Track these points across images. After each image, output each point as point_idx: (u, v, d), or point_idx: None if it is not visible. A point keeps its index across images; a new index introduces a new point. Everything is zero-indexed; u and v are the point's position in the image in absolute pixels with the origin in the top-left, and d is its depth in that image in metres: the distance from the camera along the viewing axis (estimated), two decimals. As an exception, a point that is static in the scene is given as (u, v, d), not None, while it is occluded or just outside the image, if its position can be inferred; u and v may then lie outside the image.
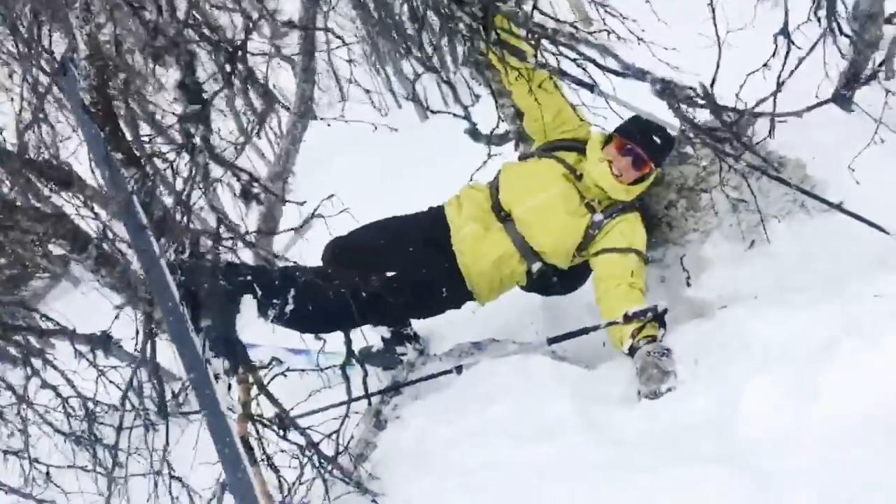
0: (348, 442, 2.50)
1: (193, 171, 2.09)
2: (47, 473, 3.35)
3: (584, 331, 2.70)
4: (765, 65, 2.41)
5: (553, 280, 2.95)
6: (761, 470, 1.70)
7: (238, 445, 1.94)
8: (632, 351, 2.49)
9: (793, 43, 2.35)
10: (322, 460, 2.23)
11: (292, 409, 2.40)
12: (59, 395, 3.42)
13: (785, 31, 2.37)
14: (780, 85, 2.18)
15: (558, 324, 3.44)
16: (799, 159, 2.85)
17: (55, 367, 3.42)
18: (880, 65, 2.90)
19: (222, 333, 2.14)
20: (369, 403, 2.77)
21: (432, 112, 3.84)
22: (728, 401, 1.97)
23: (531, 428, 2.12)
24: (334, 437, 2.54)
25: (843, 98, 3.23)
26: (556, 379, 2.34)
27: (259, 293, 2.22)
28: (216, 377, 2.03)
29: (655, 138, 2.78)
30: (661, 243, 3.21)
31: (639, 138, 2.77)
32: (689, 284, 2.97)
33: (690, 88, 2.21)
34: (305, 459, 2.23)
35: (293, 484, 2.22)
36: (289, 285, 2.27)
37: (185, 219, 2.16)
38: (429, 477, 2.08)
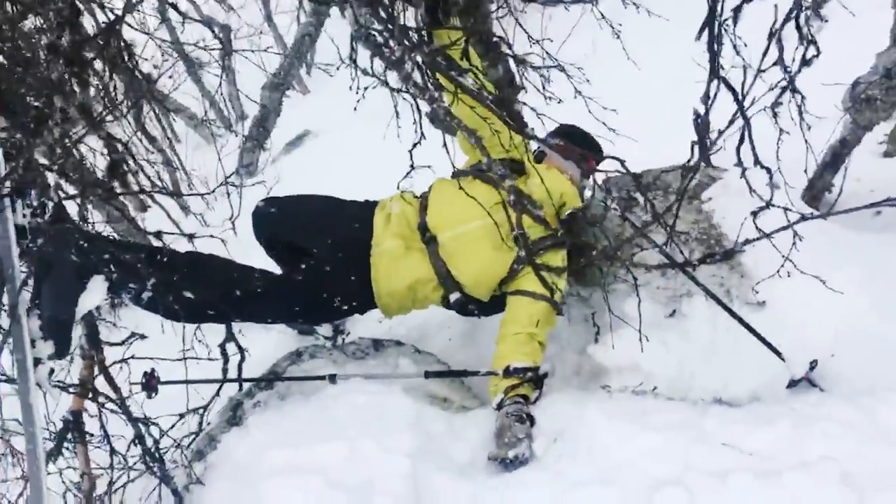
0: (194, 437, 2.47)
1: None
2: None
3: (464, 373, 2.63)
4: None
5: (470, 308, 2.81)
6: None
7: (38, 438, 1.88)
8: (499, 407, 2.40)
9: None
10: (148, 458, 2.19)
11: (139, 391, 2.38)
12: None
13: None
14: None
15: (474, 334, 3.36)
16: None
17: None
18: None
19: (59, 314, 2.06)
20: (240, 388, 2.73)
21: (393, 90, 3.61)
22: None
23: (356, 482, 2.04)
24: (189, 419, 2.53)
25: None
26: (409, 427, 2.25)
27: (115, 274, 2.12)
28: (36, 361, 1.95)
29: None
30: (591, 284, 3.08)
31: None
32: (596, 340, 2.84)
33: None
34: (130, 456, 2.20)
35: (113, 474, 2.19)
36: (151, 272, 2.15)
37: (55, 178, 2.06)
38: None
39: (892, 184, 3.28)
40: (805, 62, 1.97)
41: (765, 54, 1.66)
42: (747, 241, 1.70)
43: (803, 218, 1.72)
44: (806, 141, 2.10)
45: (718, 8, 1.60)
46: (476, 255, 2.63)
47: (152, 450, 2.21)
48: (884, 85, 2.84)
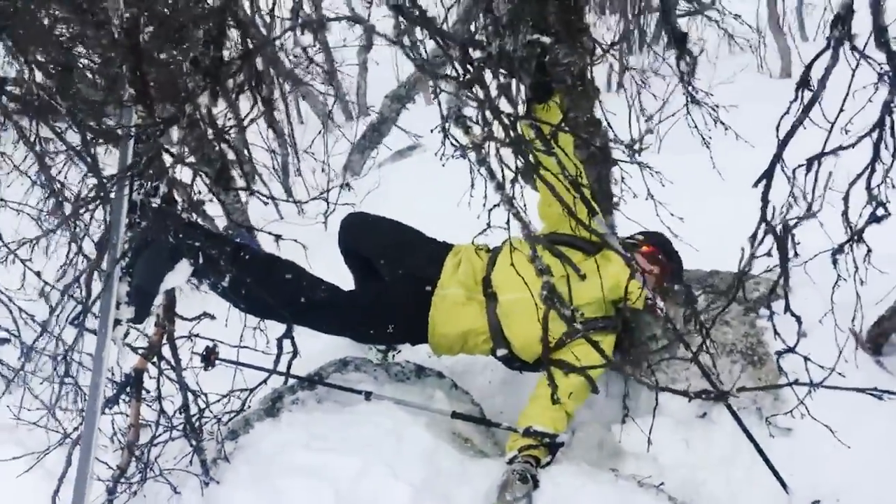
0: (234, 416, 2.71)
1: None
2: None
3: (488, 422, 2.79)
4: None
5: (515, 364, 2.97)
6: None
7: (101, 385, 2.14)
8: (510, 462, 2.55)
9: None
10: (189, 426, 2.44)
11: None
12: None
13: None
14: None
15: (514, 383, 3.49)
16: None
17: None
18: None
19: (145, 285, 2.33)
20: (285, 382, 2.95)
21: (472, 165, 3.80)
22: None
23: (360, 500, 2.22)
24: (234, 399, 2.77)
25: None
26: (423, 460, 2.41)
27: (200, 262, 2.37)
28: (116, 322, 2.23)
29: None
30: (625, 369, 3.16)
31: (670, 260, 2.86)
32: (624, 421, 2.94)
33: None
34: (173, 419, 2.45)
35: (156, 430, 2.45)
36: (231, 267, 2.40)
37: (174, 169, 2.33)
38: (253, 497, 2.25)
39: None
40: (875, 219, 2.03)
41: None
42: (743, 389, 1.78)
43: (810, 383, 1.80)
44: (858, 295, 2.15)
45: (778, 163, 1.70)
46: (530, 322, 2.73)
47: (194, 419, 2.45)
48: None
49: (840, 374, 1.85)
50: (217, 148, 2.23)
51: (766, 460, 2.33)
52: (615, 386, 3.23)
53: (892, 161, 1.82)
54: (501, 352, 2.88)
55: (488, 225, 2.49)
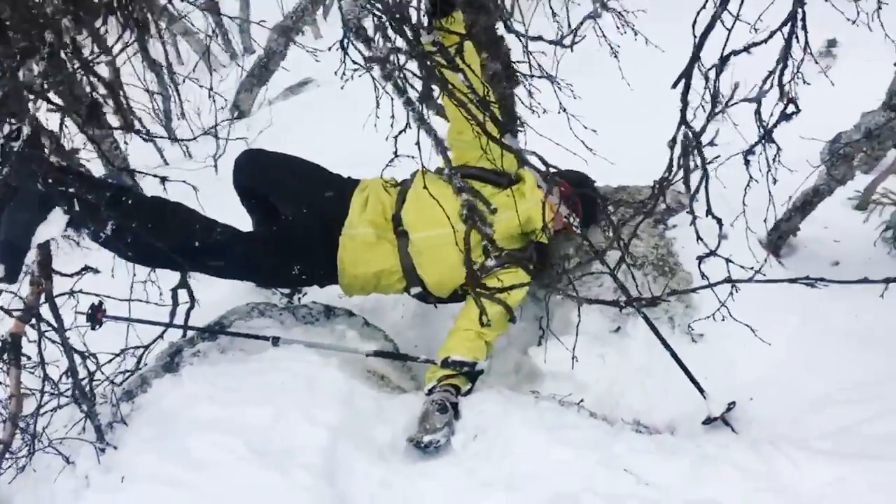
0: (129, 375, 2.51)
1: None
2: None
3: (405, 357, 2.70)
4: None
5: (429, 300, 2.86)
6: None
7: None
8: (429, 393, 2.48)
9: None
10: (78, 391, 2.23)
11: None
12: None
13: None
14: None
15: (426, 315, 3.41)
16: (689, 274, 2.73)
17: None
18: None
19: (15, 240, 2.08)
20: (184, 335, 2.76)
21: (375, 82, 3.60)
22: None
23: (276, 449, 2.10)
24: (128, 358, 2.58)
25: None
26: (338, 402, 2.30)
27: (76, 210, 2.14)
28: (-16, 283, 1.99)
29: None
30: (546, 285, 3.13)
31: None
32: (539, 343, 2.91)
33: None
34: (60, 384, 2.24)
35: (42, 399, 2.24)
36: (113, 212, 2.17)
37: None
38: (158, 457, 2.08)
39: (857, 236, 3.35)
40: (785, 117, 2.00)
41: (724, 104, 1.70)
42: (674, 292, 1.75)
43: (728, 280, 1.76)
44: (770, 193, 2.14)
45: (696, 63, 1.62)
46: (443, 260, 2.67)
47: (83, 383, 2.25)
48: (863, 144, 2.89)
49: (762, 274, 1.82)
50: (84, 82, 1.97)
51: (683, 367, 2.34)
52: (527, 310, 3.20)
53: (803, 56, 1.78)
54: (415, 290, 2.78)
55: (395, 154, 2.34)
